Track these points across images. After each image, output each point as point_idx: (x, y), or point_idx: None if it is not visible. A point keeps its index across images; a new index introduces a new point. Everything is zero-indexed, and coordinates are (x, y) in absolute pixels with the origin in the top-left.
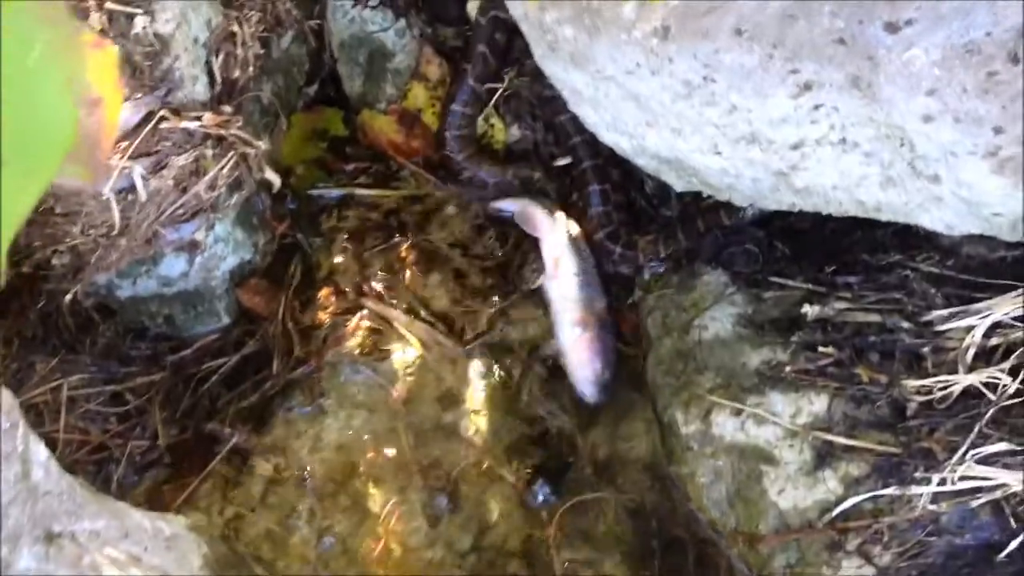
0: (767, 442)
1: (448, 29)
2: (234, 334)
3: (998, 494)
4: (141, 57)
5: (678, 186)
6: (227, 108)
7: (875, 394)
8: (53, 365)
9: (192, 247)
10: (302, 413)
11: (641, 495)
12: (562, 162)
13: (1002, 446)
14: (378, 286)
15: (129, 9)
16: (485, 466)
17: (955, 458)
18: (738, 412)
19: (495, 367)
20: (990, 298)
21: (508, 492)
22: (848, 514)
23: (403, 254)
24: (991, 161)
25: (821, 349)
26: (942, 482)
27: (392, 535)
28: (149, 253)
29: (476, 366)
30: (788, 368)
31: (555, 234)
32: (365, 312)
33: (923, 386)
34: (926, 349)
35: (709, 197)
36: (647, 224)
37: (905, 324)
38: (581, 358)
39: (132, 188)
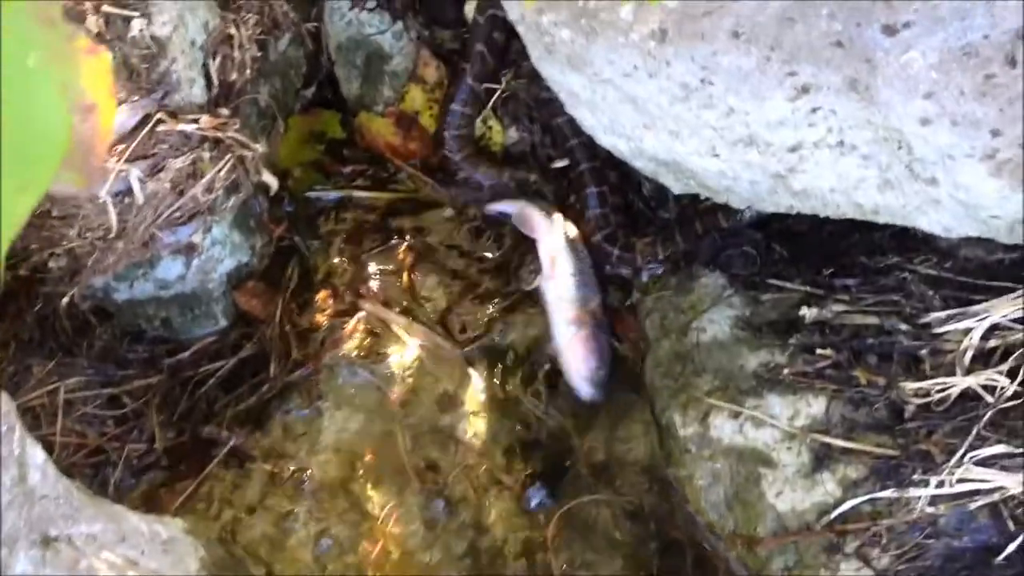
0: (765, 444)
1: (445, 32)
2: (231, 337)
3: (996, 496)
4: (138, 60)
5: (676, 188)
6: (224, 111)
7: (873, 396)
8: (50, 368)
9: (189, 250)
10: (300, 416)
11: (639, 497)
12: (559, 164)
13: (1000, 448)
14: (376, 288)
15: (126, 12)
16: (483, 469)
17: (953, 460)
18: (736, 414)
19: (493, 369)
20: (988, 300)
21: (506, 495)
22: (846, 516)
23: (401, 256)
24: (988, 164)
25: (819, 351)
26: (940, 484)
27: (389, 538)
28: (146, 256)
29: (474, 368)
30: (786, 370)
31: (552, 235)
32: (363, 314)
33: (921, 388)
34: (924, 351)
35: (707, 199)
36: (645, 226)
37: (903, 326)
38: (576, 356)
39: (129, 191)
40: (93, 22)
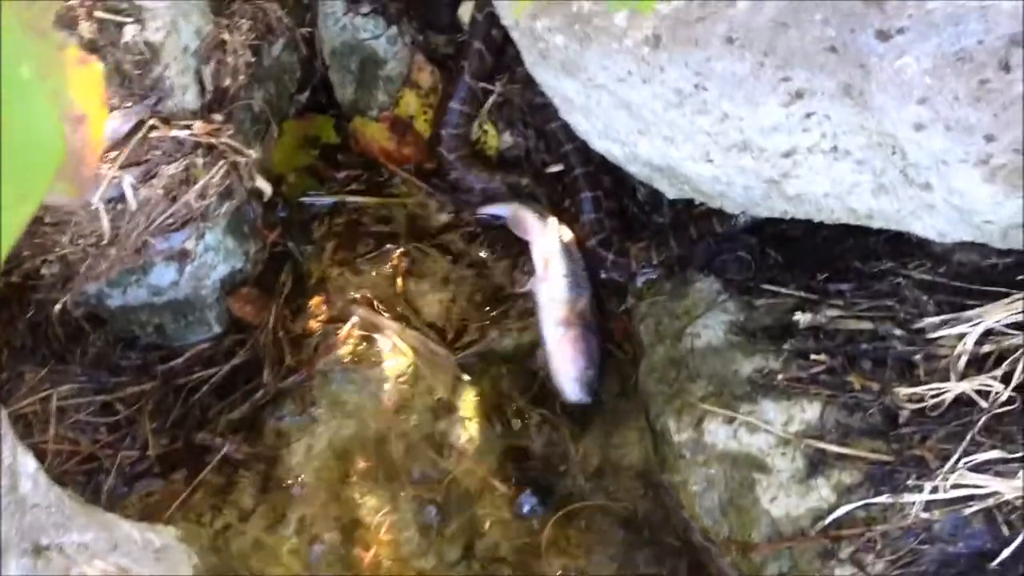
0: (759, 450)
1: (440, 36)
2: (225, 343)
3: (991, 502)
4: (131, 66)
5: (670, 193)
6: (217, 116)
7: (867, 402)
8: (42, 375)
9: (182, 256)
10: (293, 422)
11: (634, 503)
12: (554, 169)
13: (994, 454)
14: (369, 294)
15: (119, 18)
16: (476, 475)
17: (947, 466)
18: (730, 420)
19: (487, 375)
20: (982, 305)
21: (499, 501)
22: (841, 522)
23: (395, 262)
24: (982, 169)
25: (813, 357)
26: (934, 490)
27: (383, 544)
28: (139, 262)
29: (467, 375)
30: (780, 376)
31: (546, 237)
32: (356, 320)
33: (915, 394)
34: (918, 356)
35: (701, 204)
36: (639, 231)
37: (897, 331)
38: (565, 356)
39: (122, 197)
40: (86, 28)
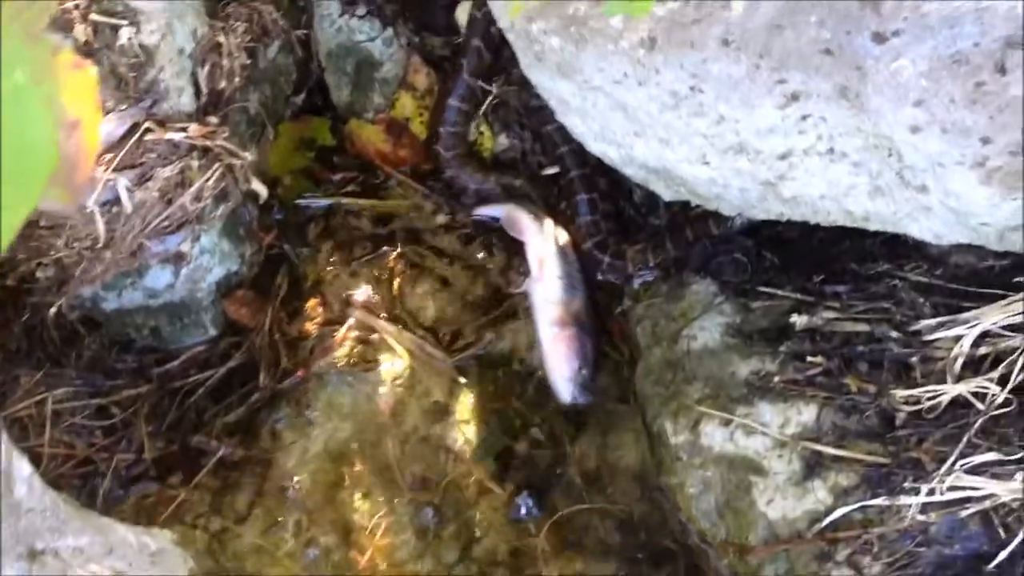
0: (756, 452)
1: (436, 38)
2: (221, 346)
3: (987, 504)
4: (126, 69)
5: (666, 195)
6: (213, 119)
7: (864, 404)
8: (38, 378)
9: (178, 259)
10: (289, 425)
11: (630, 505)
12: (550, 171)
13: (991, 456)
14: (365, 297)
15: (114, 20)
16: (473, 478)
17: (944, 468)
18: (727, 422)
19: (483, 378)
20: (979, 307)
21: (496, 504)
22: (837, 524)
23: (391, 264)
24: (979, 171)
25: (810, 359)
26: (931, 492)
27: (379, 548)
28: (134, 265)
29: (464, 377)
30: (777, 378)
31: (540, 237)
32: (352, 323)
33: (912, 396)
34: (915, 359)
35: (697, 206)
36: (636, 233)
37: (894, 334)
38: (559, 356)
39: (117, 200)
40: (81, 31)
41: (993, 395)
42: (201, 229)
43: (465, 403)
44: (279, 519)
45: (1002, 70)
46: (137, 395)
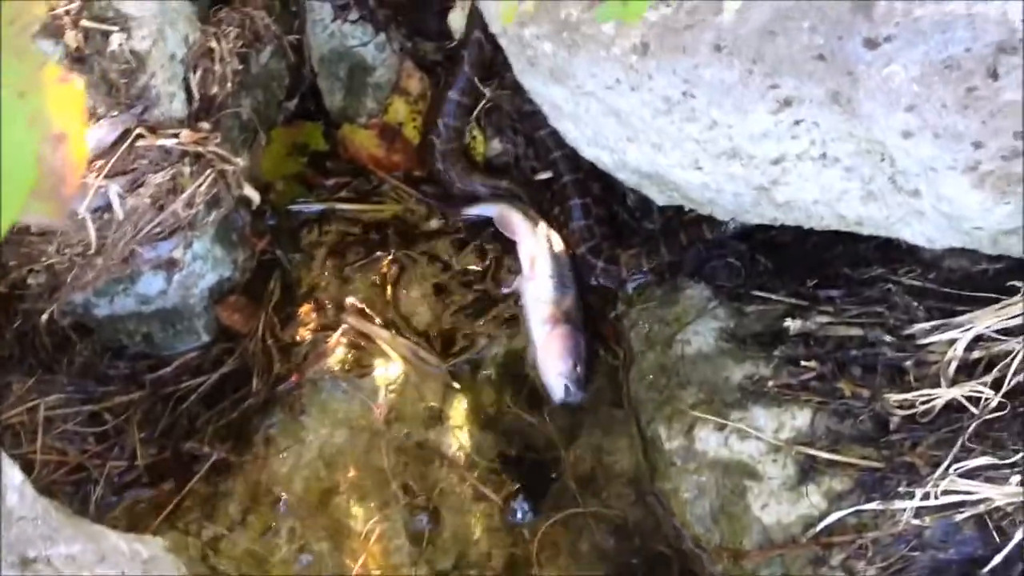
0: (750, 457)
1: (428, 43)
2: (213, 352)
3: (981, 508)
4: (117, 75)
5: (660, 200)
6: (205, 125)
7: (858, 408)
8: (30, 385)
9: (170, 265)
10: (282, 431)
11: (625, 510)
12: (543, 176)
13: (985, 460)
14: (359, 302)
15: (105, 26)
16: (467, 483)
17: (938, 472)
18: (721, 427)
19: (477, 383)
20: (972, 311)
21: (491, 509)
22: (832, 529)
23: (384, 269)
24: (971, 176)
25: (804, 363)
26: (925, 496)
27: (373, 554)
28: (126, 272)
29: (458, 383)
30: (771, 383)
31: (532, 236)
32: (346, 328)
33: (905, 400)
34: (908, 363)
35: (691, 211)
36: (629, 237)
37: (887, 338)
38: (553, 354)
39: (108, 207)
40: (72, 37)
41: (987, 399)
42: (193, 235)
43: (459, 408)
44: (272, 525)
45: (994, 75)
46: (129, 401)
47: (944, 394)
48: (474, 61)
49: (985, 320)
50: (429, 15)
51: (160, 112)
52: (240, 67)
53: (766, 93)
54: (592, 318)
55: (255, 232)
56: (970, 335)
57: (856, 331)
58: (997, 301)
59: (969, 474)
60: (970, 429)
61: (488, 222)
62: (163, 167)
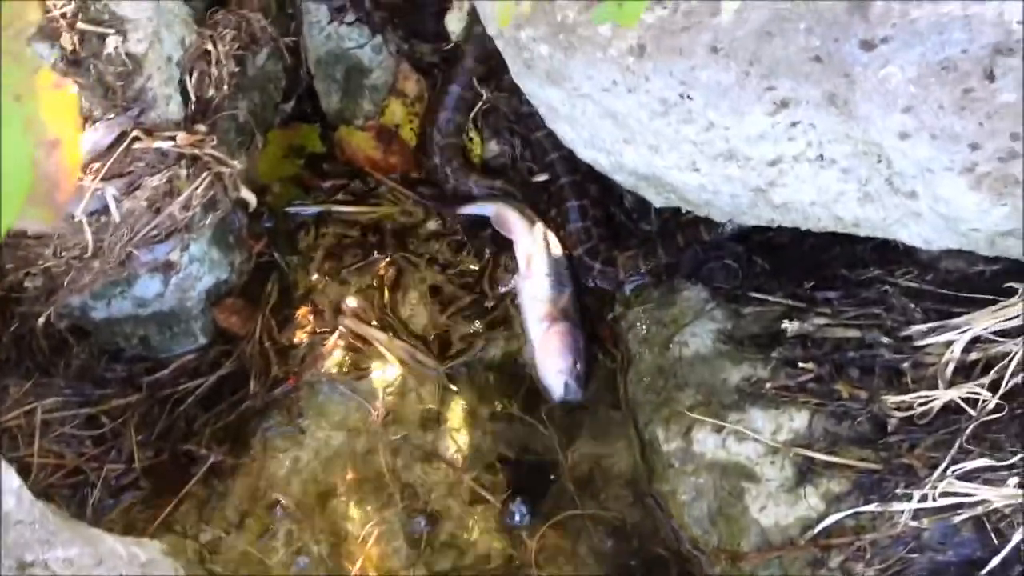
0: (748, 459)
1: (425, 45)
2: (211, 354)
3: (980, 510)
4: (113, 77)
5: (657, 202)
6: (201, 127)
7: (855, 410)
8: (27, 388)
9: (167, 268)
10: (280, 433)
11: (623, 512)
12: (540, 178)
13: (983, 462)
14: (356, 304)
15: (101, 29)
16: (465, 486)
17: (936, 474)
18: (719, 429)
19: (475, 385)
20: (969, 313)
21: (489, 512)
22: (830, 531)
23: (381, 272)
24: (968, 177)
25: (801, 365)
26: (923, 498)
27: (371, 556)
28: (123, 274)
29: (455, 385)
30: (768, 384)
31: (529, 234)
32: (343, 331)
33: (903, 402)
34: (906, 364)
35: (688, 212)
36: (627, 239)
37: (885, 339)
38: (553, 351)
39: (105, 210)
40: (68, 39)
41: (984, 401)
42: (190, 238)
43: (456, 410)
44: (270, 528)
45: (990, 77)
46: (127, 404)
47: (942, 396)
48: (477, 55)
49: (982, 322)
50: (426, 17)
51: (156, 115)
52: (236, 69)
53: (763, 95)
54: (589, 320)
55: (252, 234)
56: (967, 337)
57: (853, 333)
58: (994, 303)
59: (967, 476)
60: (968, 431)
61: (485, 221)
62: (160, 170)
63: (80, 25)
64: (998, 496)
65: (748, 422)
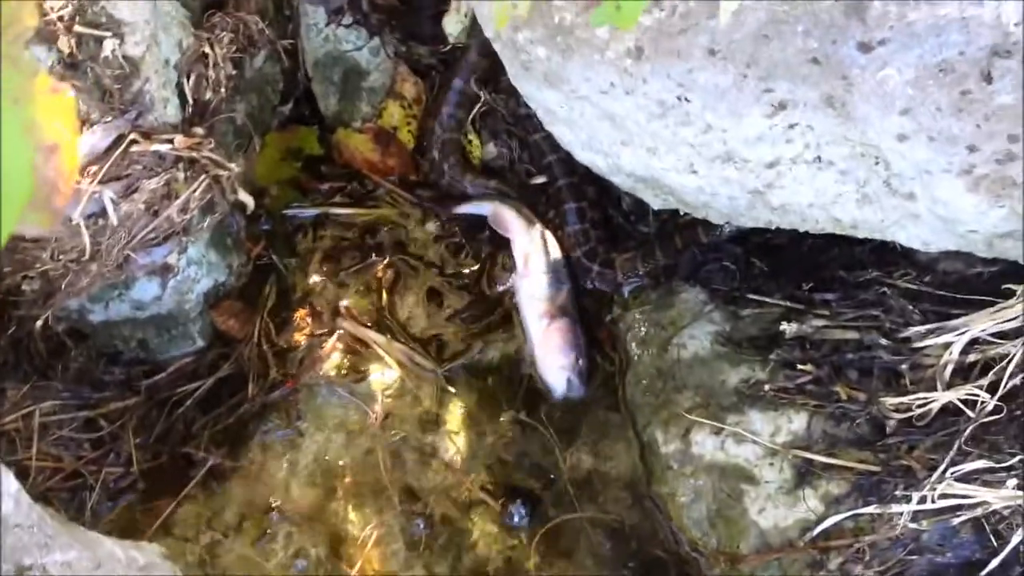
0: (747, 461)
1: (422, 48)
2: (209, 357)
3: (979, 512)
4: (111, 80)
5: (655, 204)
6: (199, 130)
7: (854, 412)
8: (25, 391)
9: (165, 271)
10: (278, 436)
11: (622, 514)
12: (538, 180)
13: (982, 463)
14: (354, 307)
15: (98, 32)
16: (464, 488)
17: (935, 476)
18: (718, 431)
19: (473, 387)
20: (967, 314)
21: (488, 514)
22: (829, 533)
23: (379, 274)
24: (966, 179)
25: (799, 367)
26: (922, 500)
27: (370, 559)
28: (121, 277)
29: (454, 387)
30: (767, 386)
31: (526, 233)
32: (341, 333)
33: (902, 403)
34: (904, 366)
35: (686, 214)
36: (624, 241)
37: (883, 341)
38: (554, 347)
39: (102, 213)
40: (65, 43)
41: (983, 402)
42: (188, 241)
43: (455, 413)
44: (268, 531)
45: (988, 78)
46: (125, 407)
47: (940, 397)
48: (481, 50)
49: (980, 323)
50: (423, 19)
51: (154, 117)
52: (234, 72)
53: (760, 97)
54: (588, 322)
55: (250, 237)
56: (966, 338)
57: (852, 334)
58: (992, 304)
59: (966, 477)
60: (966, 432)
61: (482, 222)
62: (157, 172)
63: (77, 28)
64: (997, 498)
65: (747, 424)
